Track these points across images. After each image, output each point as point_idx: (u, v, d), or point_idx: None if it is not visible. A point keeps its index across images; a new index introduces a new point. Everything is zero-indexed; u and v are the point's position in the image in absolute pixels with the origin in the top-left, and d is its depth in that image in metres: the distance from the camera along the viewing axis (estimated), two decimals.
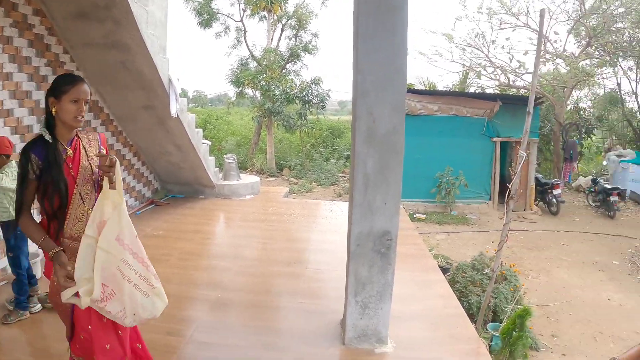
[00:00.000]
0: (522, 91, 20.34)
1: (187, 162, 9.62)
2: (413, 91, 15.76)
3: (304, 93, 19.03)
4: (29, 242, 4.77)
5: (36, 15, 6.26)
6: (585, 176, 21.85)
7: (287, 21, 20.83)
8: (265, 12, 20.67)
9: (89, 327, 3.05)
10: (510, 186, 6.31)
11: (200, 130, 9.76)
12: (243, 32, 21.25)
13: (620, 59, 21.35)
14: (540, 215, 15.64)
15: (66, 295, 2.87)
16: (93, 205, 3.04)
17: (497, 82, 21.91)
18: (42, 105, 6.35)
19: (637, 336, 2.86)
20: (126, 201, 8.64)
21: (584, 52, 20.92)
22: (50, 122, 3.02)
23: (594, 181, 17.55)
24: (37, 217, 3.08)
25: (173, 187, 10.63)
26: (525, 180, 15.61)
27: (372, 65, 3.99)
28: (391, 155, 4.12)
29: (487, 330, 6.70)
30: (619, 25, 19.99)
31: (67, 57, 6.93)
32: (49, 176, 2.92)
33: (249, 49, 21.05)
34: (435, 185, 14.79)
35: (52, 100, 2.98)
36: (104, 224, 2.91)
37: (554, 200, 15.90)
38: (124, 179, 8.59)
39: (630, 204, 18.30)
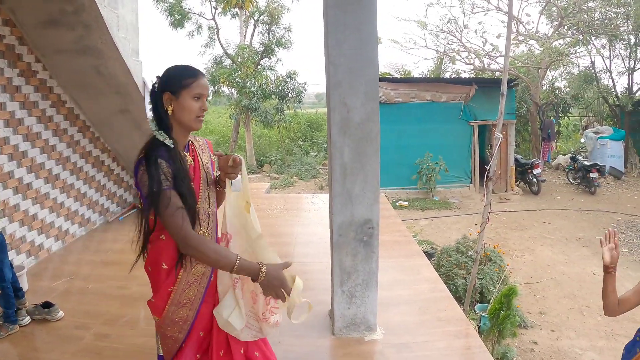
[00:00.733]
0: (497, 74, 20.48)
1: None
2: (388, 79, 15.86)
3: (280, 88, 19.11)
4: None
5: (6, 25, 6.20)
6: (564, 154, 22.15)
7: (259, 17, 20.85)
8: (237, 9, 20.78)
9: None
10: (488, 168, 6.37)
11: None
12: (216, 30, 21.28)
13: (592, 38, 21.55)
14: (521, 196, 15.86)
15: (297, 317, 2.61)
16: (209, 227, 2.70)
17: (471, 67, 22.06)
18: (18, 116, 6.33)
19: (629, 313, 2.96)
20: (107, 207, 8.65)
21: (557, 32, 21.07)
22: (165, 123, 2.53)
23: (573, 159, 17.82)
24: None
25: None
26: (504, 162, 15.79)
27: (343, 56, 4.01)
28: (367, 144, 4.14)
29: (475, 311, 6.78)
30: (590, 4, 20.19)
31: (39, 65, 6.87)
32: (181, 189, 2.42)
33: (222, 46, 21.09)
34: (416, 172, 14.93)
35: (169, 97, 2.50)
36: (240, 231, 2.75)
37: (535, 179, 16.14)
38: (104, 186, 8.57)
39: (609, 179, 18.59)
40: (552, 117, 21.21)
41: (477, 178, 15.86)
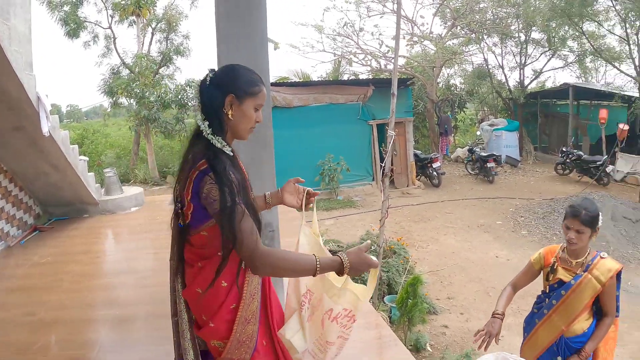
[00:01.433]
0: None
1: (65, 182, 9.28)
2: (287, 84, 15.99)
3: (180, 97, 18.75)
4: None
5: None
6: (462, 147, 22.91)
7: (157, 24, 20.58)
8: (134, 17, 20.26)
9: None
10: (383, 165, 6.56)
11: (76, 146, 9.44)
12: (113, 39, 20.76)
13: (485, 36, 22.52)
14: (423, 189, 16.34)
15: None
16: None
17: (369, 68, 22.49)
18: None
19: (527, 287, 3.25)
20: (7, 232, 8.33)
21: (450, 32, 21.85)
22: (223, 128, 2.24)
23: (471, 151, 18.56)
24: None
25: (55, 210, 10.18)
26: (404, 158, 16.21)
27: (234, 64, 4.04)
28: (262, 149, 4.14)
29: (384, 303, 6.97)
30: (482, 5, 21.12)
31: None
32: (246, 203, 2.19)
33: (119, 56, 20.60)
34: (318, 173, 15.06)
35: (232, 99, 2.22)
36: None
37: (435, 173, 16.71)
38: (2, 208, 8.26)
39: (506, 168, 19.52)
40: (448, 113, 21.95)
41: (379, 175, 16.17)
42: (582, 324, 3.33)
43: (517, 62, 24.70)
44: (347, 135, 15.60)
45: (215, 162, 2.12)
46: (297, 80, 20.87)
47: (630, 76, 16.14)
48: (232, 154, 2.30)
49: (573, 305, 3.29)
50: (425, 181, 17.39)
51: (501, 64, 24.77)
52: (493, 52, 24.34)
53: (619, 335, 6.75)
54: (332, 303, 2.47)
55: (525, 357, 3.47)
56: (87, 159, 10.71)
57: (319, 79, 21.95)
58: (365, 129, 15.95)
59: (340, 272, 2.26)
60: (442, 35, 21.75)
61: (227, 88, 2.21)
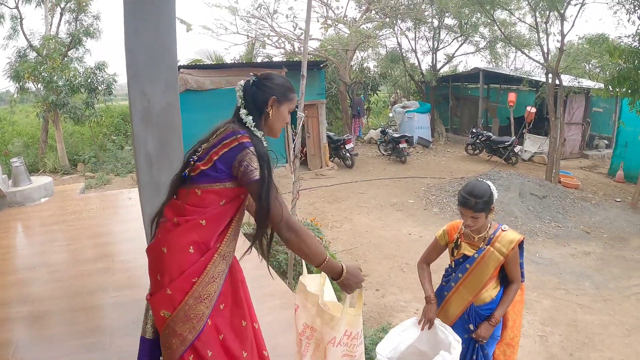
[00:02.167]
0: (308, 57, 20.93)
1: None
2: (199, 67, 15.78)
3: (89, 80, 17.99)
4: None
5: None
6: (375, 129, 23.16)
7: (66, 4, 19.48)
8: None
9: None
10: (293, 146, 6.58)
11: None
12: (19, 19, 19.60)
13: (399, 21, 22.78)
14: (336, 170, 16.48)
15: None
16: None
17: (283, 51, 22.40)
18: None
19: (442, 261, 3.33)
20: None
21: (365, 16, 21.96)
22: (261, 123, 2.61)
23: (383, 132, 18.82)
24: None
25: None
26: (317, 140, 16.28)
27: (142, 46, 3.97)
28: (170, 132, 4.15)
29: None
30: None
31: None
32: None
33: (26, 38, 19.40)
34: None
35: (274, 101, 2.60)
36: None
37: (348, 154, 16.88)
38: None
39: (418, 149, 19.98)
40: (361, 95, 22.11)
41: (292, 157, 16.21)
42: (490, 292, 3.44)
43: (429, 47, 25.21)
44: None
45: (258, 143, 2.49)
46: (210, 62, 20.59)
47: (538, 62, 16.68)
48: (266, 146, 2.55)
49: (478, 276, 3.40)
50: (339, 162, 17.55)
51: (414, 48, 25.23)
52: (406, 37, 24.72)
53: (529, 304, 7.08)
54: (335, 332, 2.76)
55: None
56: None
57: (233, 61, 21.75)
58: None
59: (336, 279, 2.62)
60: (357, 19, 21.87)
61: (271, 91, 2.58)
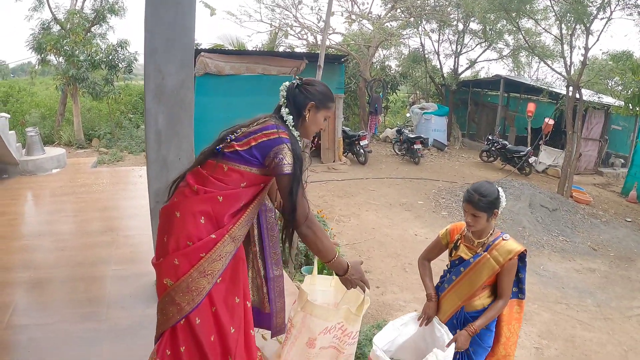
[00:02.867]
0: (330, 50, 20.94)
1: None
2: (220, 51, 15.69)
3: (110, 57, 18.05)
4: None
5: None
6: (392, 128, 23.14)
7: None
8: None
9: None
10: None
11: None
12: None
13: (423, 22, 22.69)
14: (349, 166, 16.44)
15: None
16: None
17: (305, 42, 22.38)
18: None
19: (441, 263, 3.32)
20: None
21: (390, 14, 21.89)
22: (298, 124, 2.76)
23: (399, 132, 18.80)
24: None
25: None
26: (332, 134, 16.23)
27: (160, 24, 3.98)
28: (181, 110, 4.17)
29: (301, 273, 7.00)
30: None
31: None
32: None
33: (51, 11, 19.24)
34: None
35: (312, 106, 2.75)
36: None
37: (362, 150, 16.85)
38: None
39: (433, 151, 19.94)
40: (380, 93, 22.07)
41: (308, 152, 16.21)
42: (483, 300, 3.41)
43: (452, 50, 25.12)
44: None
45: (295, 142, 2.63)
46: (231, 48, 20.59)
47: (560, 74, 16.60)
48: (300, 143, 2.72)
49: (471, 282, 3.36)
50: (352, 158, 17.53)
51: (437, 50, 25.15)
52: (430, 38, 24.69)
53: (529, 315, 7.05)
54: (328, 322, 2.96)
55: None
56: (8, 116, 10.30)
57: (254, 49, 21.73)
58: None
59: (341, 274, 2.78)
60: (381, 16, 21.81)
61: (311, 96, 2.74)
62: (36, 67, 21.01)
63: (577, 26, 15.01)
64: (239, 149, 2.61)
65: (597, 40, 14.92)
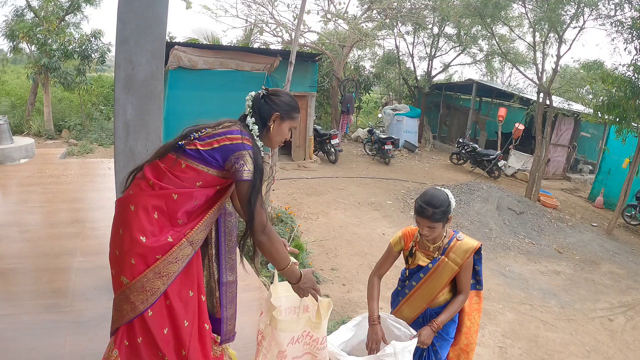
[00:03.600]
0: (305, 48, 20.95)
1: None
2: (193, 45, 15.62)
3: (84, 47, 17.77)
4: None
5: None
6: (363, 128, 23.23)
7: None
8: None
9: None
10: None
11: None
12: None
13: (399, 24, 22.82)
14: (319, 164, 16.48)
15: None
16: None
17: (280, 39, 22.37)
18: None
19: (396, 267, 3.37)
20: None
21: (366, 14, 21.97)
22: (262, 135, 2.77)
23: (370, 132, 18.93)
24: None
25: None
26: (304, 132, 16.27)
27: (133, 13, 3.95)
28: (150, 101, 4.13)
29: (268, 269, 7.01)
30: None
31: None
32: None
33: None
34: None
35: (277, 117, 2.76)
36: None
37: (332, 149, 16.90)
38: None
39: (404, 152, 20.09)
40: (352, 93, 22.15)
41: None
42: (446, 295, 3.44)
43: (427, 53, 25.36)
44: None
45: (258, 152, 2.64)
46: (206, 42, 20.49)
47: (532, 80, 16.81)
48: (262, 151, 2.74)
49: (432, 286, 3.38)
50: (323, 156, 17.59)
51: (411, 53, 25.33)
52: (405, 40, 24.84)
53: (493, 314, 7.13)
54: (293, 333, 2.95)
55: None
56: None
57: (229, 44, 21.64)
58: None
59: (294, 283, 2.81)
60: (357, 16, 21.87)
61: (276, 107, 2.75)
62: (8, 55, 20.69)
63: (551, 34, 15.21)
64: (201, 148, 2.60)
65: (569, 48, 15.16)
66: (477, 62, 25.72)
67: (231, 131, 2.62)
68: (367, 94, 26.45)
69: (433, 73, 25.33)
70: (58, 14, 18.30)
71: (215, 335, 3.18)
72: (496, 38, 19.38)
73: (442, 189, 3.35)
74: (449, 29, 23.70)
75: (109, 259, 2.71)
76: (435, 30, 24.00)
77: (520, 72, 18.64)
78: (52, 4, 18.31)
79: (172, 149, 2.67)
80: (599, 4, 13.50)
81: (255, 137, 2.70)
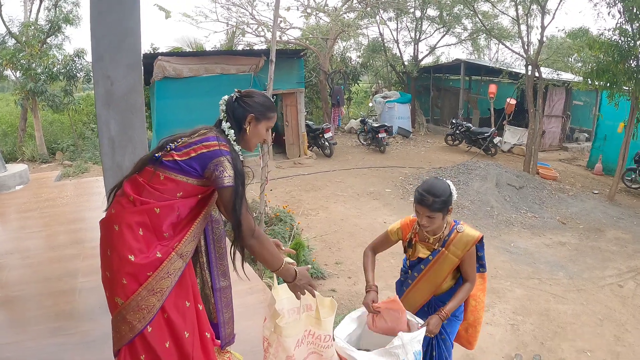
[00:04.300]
0: (289, 45, 20.92)
1: None
2: (177, 54, 15.62)
3: (68, 68, 17.69)
4: None
5: None
6: (356, 119, 23.21)
7: None
8: None
9: None
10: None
11: None
12: None
13: (380, 11, 22.78)
14: (315, 159, 16.45)
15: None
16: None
17: (263, 39, 22.34)
18: None
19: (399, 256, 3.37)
20: None
21: (346, 5, 21.94)
22: (239, 138, 2.74)
23: (363, 122, 18.91)
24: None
25: None
26: (296, 128, 16.25)
27: (105, 28, 3.93)
28: (133, 115, 4.12)
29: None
30: None
31: None
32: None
33: (5, 24, 18.78)
34: None
35: (252, 119, 2.74)
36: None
37: (326, 143, 16.89)
38: None
39: (398, 139, 20.05)
40: (341, 85, 22.14)
41: (270, 146, 16.21)
42: (449, 282, 3.42)
43: (411, 38, 25.37)
44: None
45: (236, 157, 2.62)
46: (190, 50, 20.45)
47: (519, 54, 16.82)
48: (241, 155, 2.70)
49: (434, 277, 3.36)
50: (317, 151, 17.55)
51: (396, 39, 25.34)
52: (388, 27, 24.83)
53: (502, 292, 7.11)
54: (298, 336, 2.93)
55: None
56: None
57: (213, 49, 21.61)
58: None
59: (290, 282, 2.79)
60: (337, 8, 21.83)
61: (250, 109, 2.73)
62: None
63: (533, 6, 15.17)
64: (178, 158, 2.58)
65: (553, 18, 15.11)
66: (462, 41, 25.73)
67: (207, 138, 2.60)
68: (356, 84, 26.44)
69: (420, 57, 25.41)
70: (39, 37, 18.23)
71: (218, 341, 3.19)
72: (479, 15, 19.35)
73: (444, 180, 3.30)
74: (431, 11, 23.73)
75: (102, 281, 2.68)
76: (418, 13, 23.99)
77: (507, 47, 18.67)
78: (33, 28, 18.24)
79: (150, 162, 2.64)
80: None
81: (232, 142, 2.68)
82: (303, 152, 16.65)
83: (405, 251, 3.54)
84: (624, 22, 11.99)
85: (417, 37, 24.83)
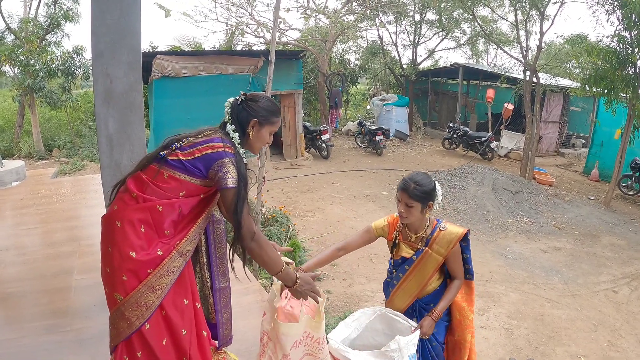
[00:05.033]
0: (288, 46, 20.93)
1: None
2: (176, 53, 15.62)
3: (67, 65, 17.65)
4: None
5: None
6: (353, 121, 23.24)
7: None
8: None
9: None
10: None
11: None
12: None
13: (380, 14, 22.81)
14: (312, 161, 16.46)
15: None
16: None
17: (262, 40, 22.35)
18: None
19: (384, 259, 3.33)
20: None
21: (346, 7, 21.95)
22: (243, 141, 2.75)
23: (361, 124, 18.92)
24: None
25: None
26: (294, 130, 16.25)
27: (105, 27, 3.92)
28: (132, 113, 4.10)
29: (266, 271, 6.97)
30: None
31: None
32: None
33: (4, 20, 18.68)
34: None
35: (255, 123, 2.73)
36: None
37: (324, 145, 16.89)
38: None
39: (395, 142, 20.07)
40: (339, 87, 22.16)
41: (267, 147, 16.17)
42: (434, 284, 3.39)
43: (410, 41, 25.41)
44: None
45: (240, 160, 2.63)
46: (189, 49, 20.43)
47: (517, 59, 16.87)
48: (246, 162, 2.70)
49: (418, 277, 3.34)
50: (315, 153, 17.55)
51: (395, 42, 25.41)
52: (387, 30, 24.88)
53: (497, 297, 7.13)
54: (296, 336, 2.89)
55: None
56: None
57: (212, 49, 21.60)
58: None
59: (290, 286, 2.77)
60: (337, 10, 21.85)
61: (254, 113, 2.71)
62: None
63: (532, 12, 15.21)
64: (183, 158, 2.59)
65: (552, 24, 15.20)
66: (461, 45, 25.77)
67: (212, 139, 2.60)
68: (354, 86, 26.46)
69: (418, 60, 25.43)
70: (38, 33, 18.14)
71: (214, 341, 3.19)
72: (478, 20, 19.38)
73: (435, 179, 3.30)
74: (431, 15, 23.77)
75: (101, 277, 2.68)
76: (417, 17, 24.05)
77: (505, 52, 18.70)
78: (32, 24, 18.13)
79: (154, 160, 2.65)
80: None
81: (236, 144, 2.69)
82: (300, 153, 16.66)
83: (391, 252, 3.53)
84: (622, 29, 12.03)
85: (416, 40, 24.90)
